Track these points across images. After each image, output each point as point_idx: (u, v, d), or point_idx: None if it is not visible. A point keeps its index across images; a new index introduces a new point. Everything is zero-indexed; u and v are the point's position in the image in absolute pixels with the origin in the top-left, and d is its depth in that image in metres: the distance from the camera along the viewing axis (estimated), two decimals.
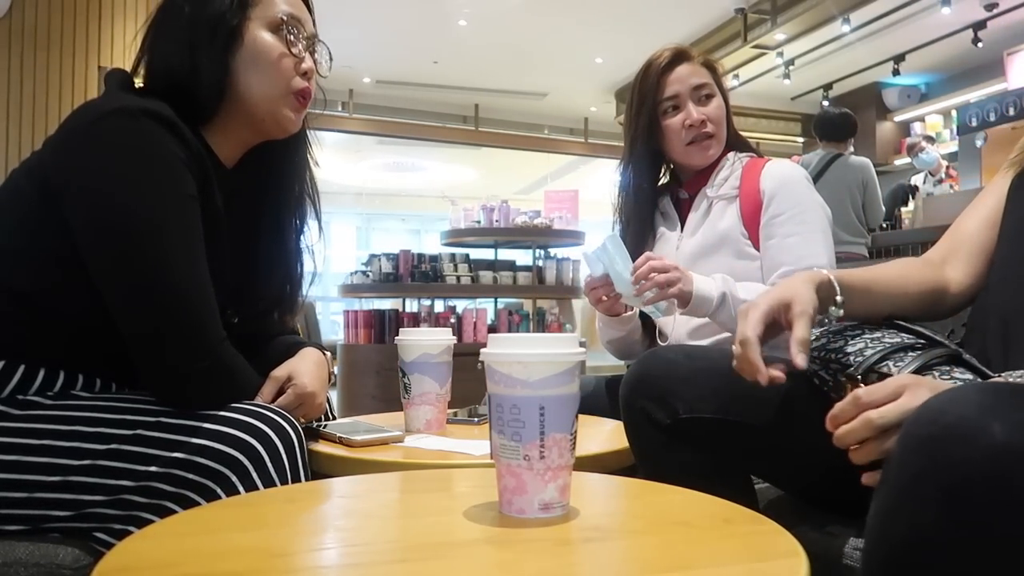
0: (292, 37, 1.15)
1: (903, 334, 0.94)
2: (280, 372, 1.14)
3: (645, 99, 1.63)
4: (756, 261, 1.57)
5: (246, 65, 1.11)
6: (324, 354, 1.24)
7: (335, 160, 10.90)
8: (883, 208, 4.62)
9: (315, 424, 1.27)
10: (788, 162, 1.67)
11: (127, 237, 0.98)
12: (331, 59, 1.23)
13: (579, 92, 8.58)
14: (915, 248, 4.30)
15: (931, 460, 0.57)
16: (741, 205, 1.60)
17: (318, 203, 1.30)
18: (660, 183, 1.75)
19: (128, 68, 1.14)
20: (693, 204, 1.66)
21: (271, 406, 1.07)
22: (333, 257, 13.85)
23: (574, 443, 0.77)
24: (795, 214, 1.54)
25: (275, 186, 1.25)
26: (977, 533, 0.55)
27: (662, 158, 1.71)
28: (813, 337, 0.96)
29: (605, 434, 1.36)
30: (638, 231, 1.69)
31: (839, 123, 4.54)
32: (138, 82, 1.14)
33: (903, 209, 5.67)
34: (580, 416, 0.78)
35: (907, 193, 5.64)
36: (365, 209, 13.36)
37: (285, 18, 1.14)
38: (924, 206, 4.95)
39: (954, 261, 1.08)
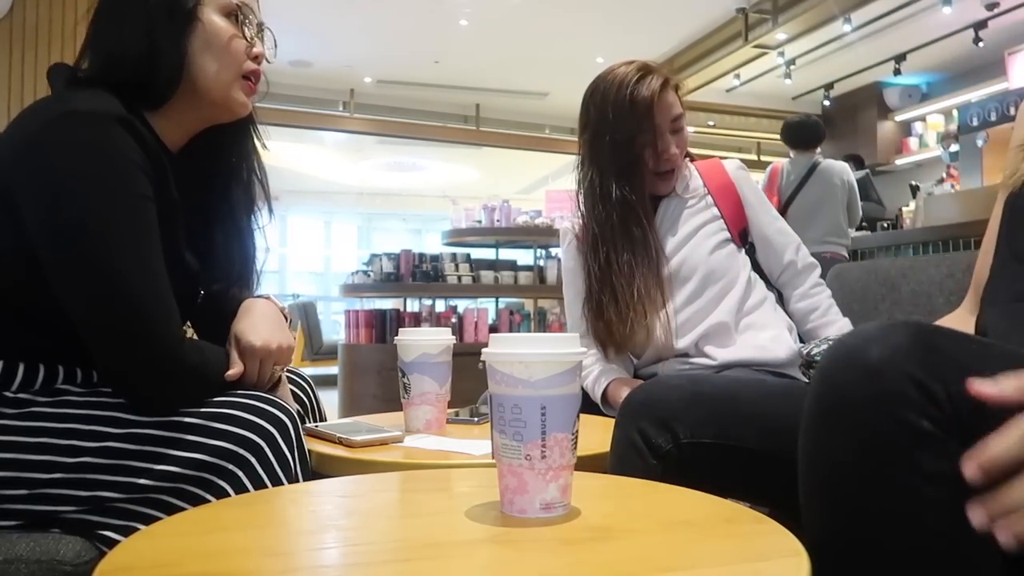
0: (243, 22, 1.16)
1: None
2: (232, 340, 1.14)
3: (621, 125, 1.57)
4: (733, 247, 1.65)
5: (201, 48, 1.11)
6: (269, 299, 1.23)
7: (336, 160, 10.90)
8: (860, 210, 4.78)
9: (315, 425, 1.27)
10: (737, 160, 1.79)
11: (78, 244, 0.97)
12: (276, 46, 1.24)
13: (580, 92, 8.49)
14: (916, 248, 4.30)
15: (827, 385, 0.66)
16: (716, 200, 1.67)
17: (267, 186, 1.30)
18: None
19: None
20: (660, 207, 1.67)
21: (268, 397, 1.07)
22: (334, 257, 13.87)
23: (575, 443, 0.77)
24: (768, 205, 1.73)
25: (224, 169, 1.25)
26: (857, 443, 0.63)
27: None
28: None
29: (606, 434, 1.35)
30: (626, 230, 1.61)
31: (812, 130, 4.70)
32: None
33: (904, 208, 5.67)
34: (581, 416, 0.78)
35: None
36: (366, 209, 13.37)
37: (238, 3, 1.15)
38: (925, 206, 4.95)
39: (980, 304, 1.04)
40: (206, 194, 1.22)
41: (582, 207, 1.66)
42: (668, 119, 1.59)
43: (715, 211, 1.67)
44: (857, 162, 6.26)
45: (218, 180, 1.24)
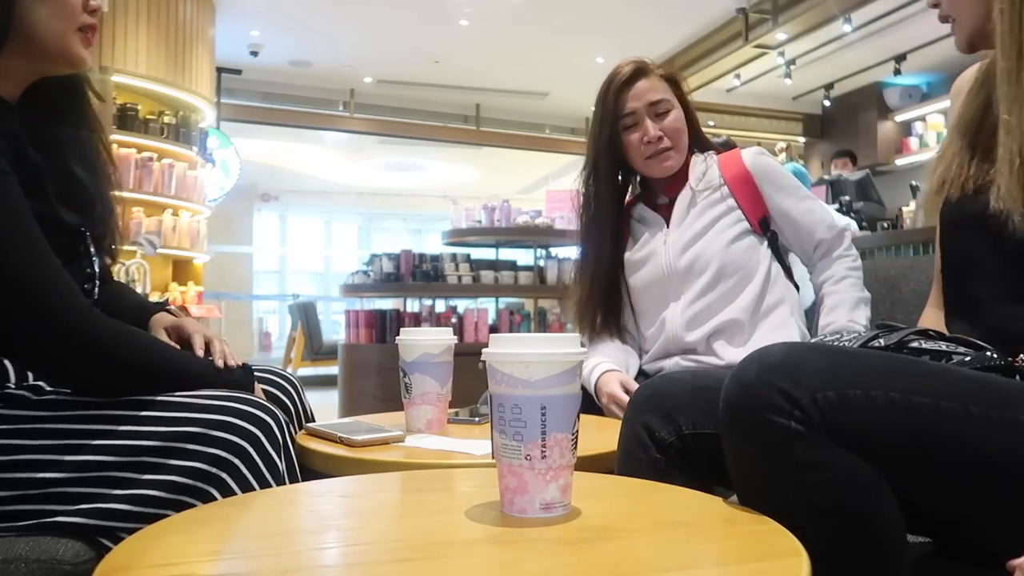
0: None
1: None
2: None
3: (606, 115, 1.67)
4: (753, 238, 1.63)
5: (33, 1, 1.06)
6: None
7: (336, 160, 10.91)
8: None
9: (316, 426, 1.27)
10: (757, 147, 1.78)
11: None
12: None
13: (580, 92, 8.54)
14: (916, 248, 4.30)
15: (723, 401, 0.80)
16: (732, 190, 1.65)
17: (107, 138, 1.28)
18: (634, 193, 1.80)
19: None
20: (676, 201, 1.69)
21: (254, 400, 1.07)
22: (334, 257, 13.87)
23: (575, 443, 0.77)
24: (793, 187, 1.68)
25: (66, 116, 1.20)
26: (747, 443, 0.78)
27: (628, 170, 1.75)
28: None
29: (606, 434, 1.35)
30: (604, 241, 1.71)
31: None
32: None
33: (904, 208, 5.66)
34: (581, 416, 0.78)
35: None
36: (366, 209, 13.37)
37: None
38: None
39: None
40: (49, 142, 1.15)
41: (578, 201, 1.74)
42: (645, 103, 1.63)
43: (731, 202, 1.65)
44: (851, 158, 6.27)
45: (59, 128, 1.19)
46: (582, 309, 1.72)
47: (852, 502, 0.73)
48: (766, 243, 1.65)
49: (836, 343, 0.94)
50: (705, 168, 1.69)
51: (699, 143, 1.75)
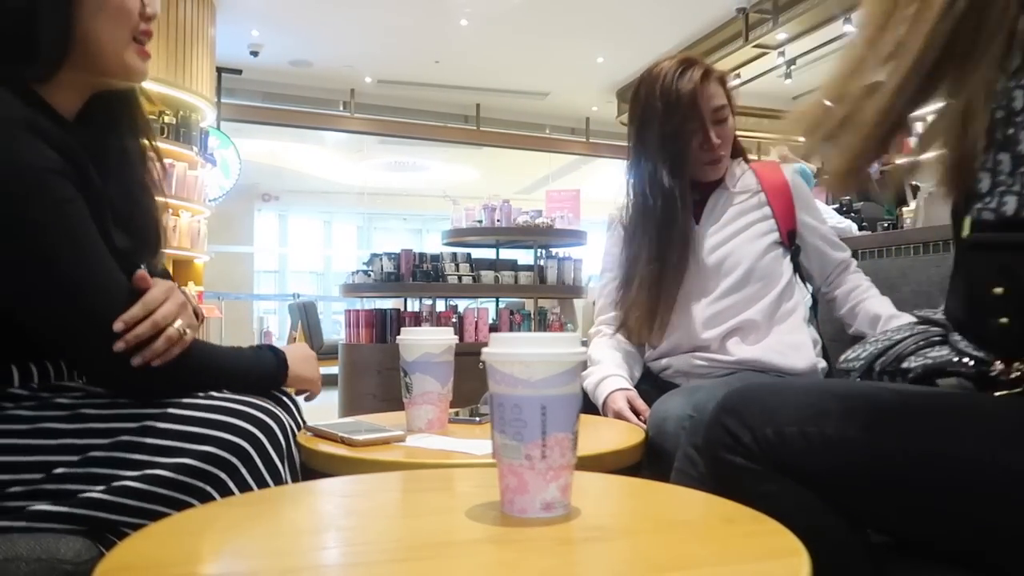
0: None
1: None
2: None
3: (676, 109, 1.60)
4: (781, 250, 1.67)
5: (93, 11, 1.06)
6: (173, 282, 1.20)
7: (336, 159, 10.91)
8: None
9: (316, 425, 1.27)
10: (799, 165, 1.79)
11: (16, 257, 0.96)
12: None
13: (580, 92, 8.58)
14: (916, 248, 4.30)
15: (687, 433, 1.01)
16: (769, 199, 1.69)
17: (157, 146, 1.27)
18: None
19: None
20: (709, 200, 1.70)
21: (257, 403, 1.07)
22: (334, 256, 13.87)
23: (575, 443, 0.77)
24: (817, 210, 1.75)
25: (119, 129, 1.20)
26: (708, 475, 0.89)
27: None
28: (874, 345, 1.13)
29: (606, 434, 1.36)
30: (666, 223, 1.63)
31: None
32: None
33: (904, 209, 5.66)
34: (582, 416, 0.78)
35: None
36: (367, 209, 13.36)
37: None
38: (925, 206, 4.94)
39: None
40: (103, 156, 1.16)
41: (631, 192, 1.73)
42: (710, 109, 1.63)
43: (767, 210, 1.69)
44: None
45: (115, 142, 1.19)
46: (628, 312, 1.66)
47: (801, 527, 0.70)
48: (789, 256, 1.69)
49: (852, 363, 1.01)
50: (741, 172, 1.72)
51: (735, 149, 1.76)
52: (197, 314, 1.13)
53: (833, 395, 0.84)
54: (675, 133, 1.62)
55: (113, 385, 1.04)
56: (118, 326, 0.98)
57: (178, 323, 1.02)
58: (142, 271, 1.03)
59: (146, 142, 1.23)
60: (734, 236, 1.65)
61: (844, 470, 0.78)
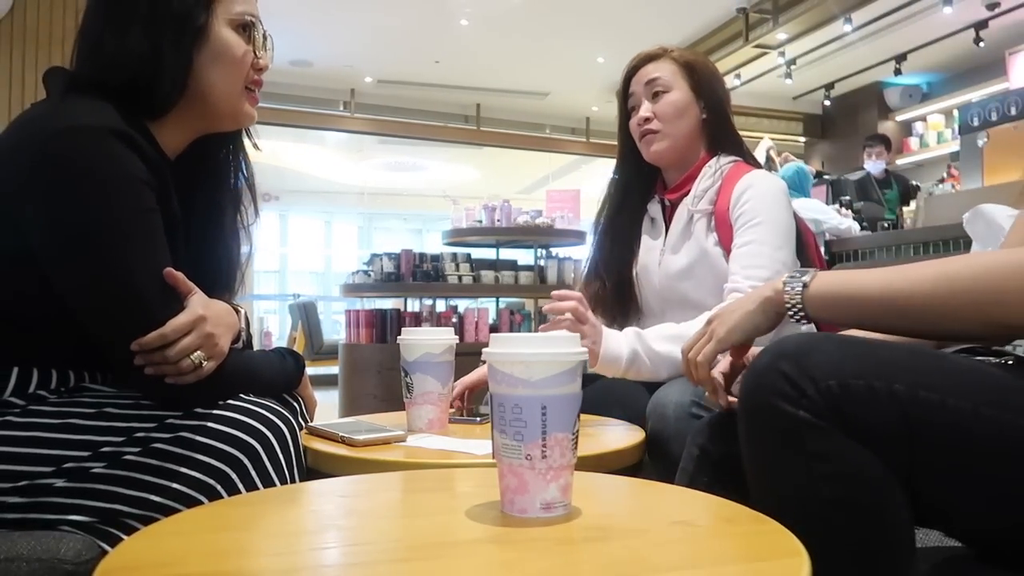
0: (252, 35, 1.17)
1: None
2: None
3: (622, 102, 1.68)
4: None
5: (209, 61, 1.11)
6: (237, 310, 1.20)
7: (337, 159, 10.90)
8: None
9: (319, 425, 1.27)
10: (764, 173, 1.59)
11: (88, 253, 0.98)
12: (273, 49, 1.22)
13: (581, 92, 8.56)
14: (917, 248, 4.30)
15: (741, 388, 0.82)
16: (716, 221, 1.55)
17: (255, 186, 1.31)
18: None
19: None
20: (675, 215, 1.63)
21: (267, 404, 1.08)
22: (335, 256, 13.87)
23: (576, 443, 0.77)
24: (750, 222, 1.49)
25: (215, 172, 1.25)
26: (760, 429, 0.79)
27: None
28: None
29: (607, 434, 1.36)
30: (620, 234, 1.70)
31: None
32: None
33: (905, 209, 5.65)
34: (582, 416, 0.78)
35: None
36: (367, 208, 13.36)
37: (250, 20, 1.16)
38: (925, 206, 4.94)
39: None
40: (195, 198, 1.21)
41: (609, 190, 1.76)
42: (642, 85, 1.62)
43: (715, 236, 1.55)
44: (886, 145, 5.87)
45: (208, 183, 1.24)
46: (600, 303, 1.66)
47: (860, 495, 0.73)
48: None
49: None
50: (709, 185, 1.57)
51: (723, 144, 1.63)
52: (239, 338, 1.12)
53: (909, 352, 0.79)
54: (623, 120, 1.67)
55: (143, 391, 1.05)
56: (134, 347, 0.99)
57: (196, 355, 1.01)
58: (170, 268, 1.03)
59: (243, 187, 1.28)
60: (693, 268, 1.56)
61: (909, 430, 0.74)
